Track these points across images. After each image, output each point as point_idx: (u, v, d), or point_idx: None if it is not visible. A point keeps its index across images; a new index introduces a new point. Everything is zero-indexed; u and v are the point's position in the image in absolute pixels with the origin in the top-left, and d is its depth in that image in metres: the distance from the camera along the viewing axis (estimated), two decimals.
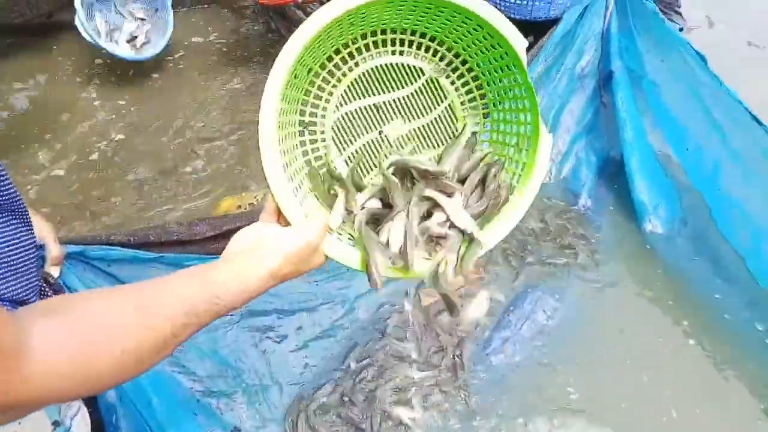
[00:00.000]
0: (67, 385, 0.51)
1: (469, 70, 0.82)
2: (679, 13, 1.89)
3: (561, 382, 1.29)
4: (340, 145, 0.83)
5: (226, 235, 1.19)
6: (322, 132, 0.82)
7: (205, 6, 2.62)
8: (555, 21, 1.61)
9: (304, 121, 0.81)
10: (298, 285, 1.34)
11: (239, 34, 2.52)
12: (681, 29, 1.87)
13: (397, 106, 0.83)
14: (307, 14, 2.34)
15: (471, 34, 0.77)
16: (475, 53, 0.80)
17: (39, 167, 1.90)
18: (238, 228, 0.71)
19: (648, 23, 1.53)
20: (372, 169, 0.84)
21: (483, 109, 0.85)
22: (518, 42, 0.74)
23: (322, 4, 0.72)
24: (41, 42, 2.41)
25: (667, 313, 1.42)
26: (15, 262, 0.68)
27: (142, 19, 2.34)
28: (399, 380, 1.29)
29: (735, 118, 1.38)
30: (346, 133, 0.83)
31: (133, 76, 2.27)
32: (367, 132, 0.83)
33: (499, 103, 0.83)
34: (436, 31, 0.79)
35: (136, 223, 1.68)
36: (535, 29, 1.63)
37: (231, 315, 1.29)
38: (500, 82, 0.80)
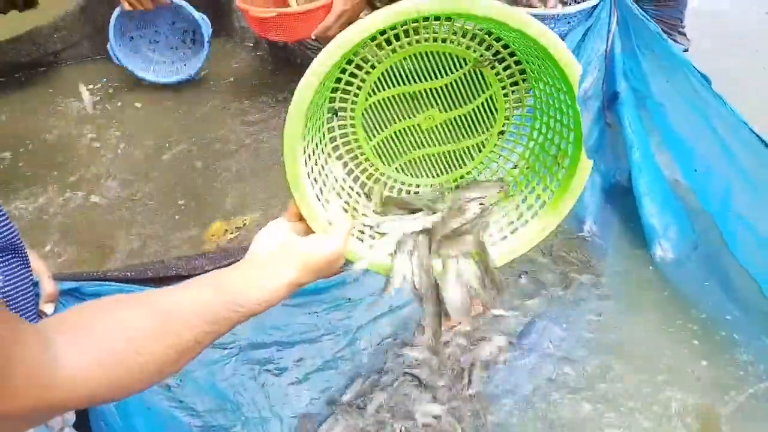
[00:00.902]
0: (96, 393, 0.52)
1: (517, 62, 0.80)
2: (684, 34, 1.88)
3: (570, 411, 1.26)
4: (369, 132, 0.82)
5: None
6: (352, 119, 0.80)
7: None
8: None
9: (333, 107, 0.80)
10: (298, 316, 1.33)
11: (249, 66, 2.53)
12: (686, 50, 1.86)
13: (434, 96, 0.80)
14: (309, 49, 2.37)
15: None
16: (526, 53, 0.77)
17: (47, 201, 1.90)
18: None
19: (651, 44, 1.51)
20: (400, 157, 0.83)
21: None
22: (573, 69, 0.71)
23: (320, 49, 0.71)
24: (47, 77, 2.45)
25: (678, 339, 1.38)
26: (16, 298, 0.72)
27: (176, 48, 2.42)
28: (405, 411, 1.26)
29: (743, 139, 1.36)
30: (376, 120, 0.81)
31: (142, 111, 2.30)
32: (398, 121, 0.81)
33: (546, 107, 0.80)
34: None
35: (138, 256, 1.68)
36: None
37: (229, 348, 1.28)
38: (547, 87, 0.78)
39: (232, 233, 1.71)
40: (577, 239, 1.61)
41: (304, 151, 0.73)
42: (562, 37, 1.58)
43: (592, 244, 1.62)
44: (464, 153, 0.87)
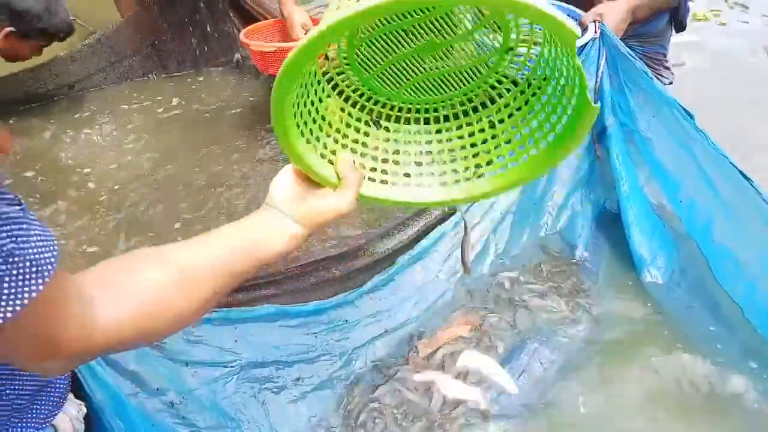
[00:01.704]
0: (129, 342, 0.62)
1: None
2: (668, 68, 1.96)
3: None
4: (367, 67, 0.80)
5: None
6: (346, 58, 0.78)
7: (220, 69, 2.78)
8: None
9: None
10: (297, 336, 1.38)
11: (251, 96, 2.64)
12: (670, 83, 1.94)
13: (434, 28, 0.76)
14: None
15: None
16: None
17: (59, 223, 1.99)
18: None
19: (638, 81, 1.60)
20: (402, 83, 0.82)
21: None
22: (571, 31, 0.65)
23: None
24: (62, 105, 2.56)
25: (667, 362, 1.43)
26: None
27: None
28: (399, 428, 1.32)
29: (724, 172, 1.43)
30: (375, 53, 0.78)
31: (153, 140, 2.39)
32: (398, 51, 0.78)
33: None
34: None
35: None
36: None
37: (231, 366, 1.33)
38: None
39: None
40: (569, 264, 1.67)
41: (299, 115, 0.73)
42: None
43: (583, 269, 1.68)
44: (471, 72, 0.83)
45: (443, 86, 0.84)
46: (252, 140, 2.38)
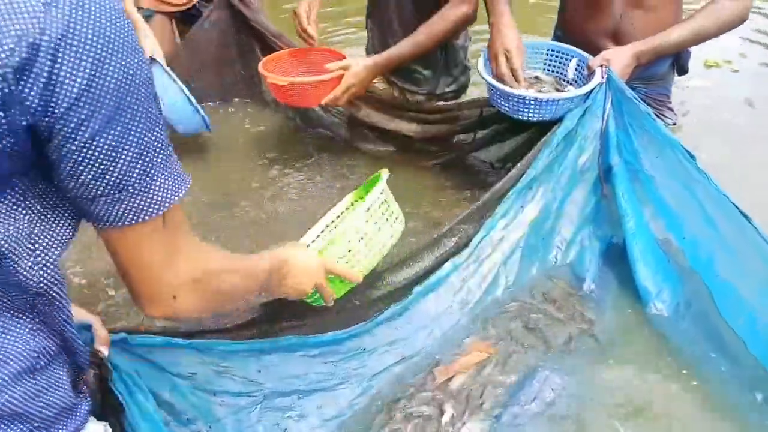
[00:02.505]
0: (195, 314, 0.91)
1: None
2: (671, 109, 2.06)
3: None
4: None
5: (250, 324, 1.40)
6: None
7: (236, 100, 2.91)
8: (557, 120, 1.79)
9: None
10: (317, 365, 1.46)
11: (266, 128, 2.75)
12: (674, 123, 2.04)
13: None
14: (332, 115, 2.58)
15: None
16: None
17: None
18: None
19: (642, 122, 1.69)
20: None
21: None
22: None
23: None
24: None
25: (674, 394, 1.49)
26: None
27: None
28: None
29: (725, 212, 1.51)
30: None
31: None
32: None
33: None
34: None
35: None
36: (539, 125, 1.82)
37: (254, 396, 1.41)
38: None
39: None
40: (577, 296, 1.74)
41: None
42: (562, 116, 1.77)
43: (591, 301, 1.75)
44: None
45: None
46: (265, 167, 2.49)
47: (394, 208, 1.49)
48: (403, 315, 1.57)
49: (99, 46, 0.60)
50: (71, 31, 0.58)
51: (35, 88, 0.58)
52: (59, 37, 0.57)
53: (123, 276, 0.79)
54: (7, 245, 0.66)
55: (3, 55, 0.55)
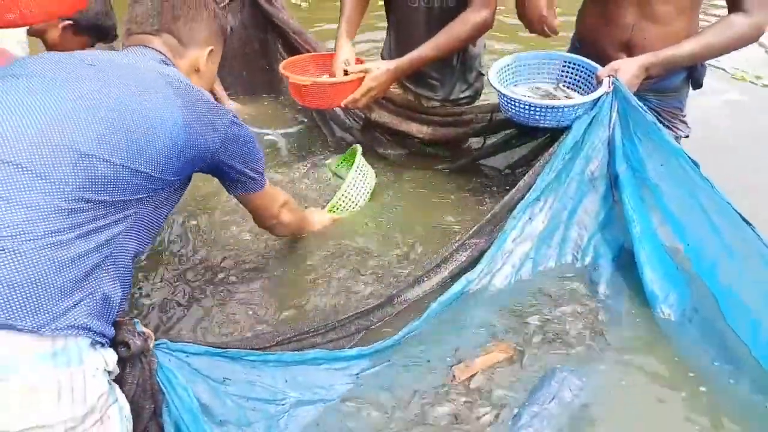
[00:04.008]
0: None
1: None
2: (684, 122, 2.11)
3: None
4: None
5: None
6: None
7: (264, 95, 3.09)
8: (565, 127, 1.87)
9: None
10: (341, 377, 1.58)
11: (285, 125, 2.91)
12: (686, 136, 2.09)
13: None
14: (350, 117, 2.68)
15: None
16: None
17: None
18: None
19: (647, 131, 1.77)
20: None
21: None
22: None
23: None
24: None
25: (684, 399, 1.57)
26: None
27: None
28: None
29: (728, 218, 1.59)
30: None
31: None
32: None
33: None
34: None
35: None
36: (546, 132, 1.90)
37: (283, 404, 1.53)
38: None
39: None
40: (593, 300, 1.83)
41: None
42: (569, 125, 1.85)
43: (605, 305, 1.83)
44: None
45: None
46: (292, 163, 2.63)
47: (369, 170, 2.33)
48: (420, 330, 1.68)
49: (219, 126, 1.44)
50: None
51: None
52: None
53: (256, 218, 1.84)
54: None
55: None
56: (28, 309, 1.04)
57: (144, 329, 1.29)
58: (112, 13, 2.29)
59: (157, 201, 1.35)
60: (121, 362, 1.24)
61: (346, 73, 2.26)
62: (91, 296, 1.15)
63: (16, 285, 1.04)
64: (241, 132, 1.49)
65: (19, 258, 1.05)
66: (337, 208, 2.21)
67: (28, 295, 1.05)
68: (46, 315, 1.06)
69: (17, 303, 1.03)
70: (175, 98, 1.31)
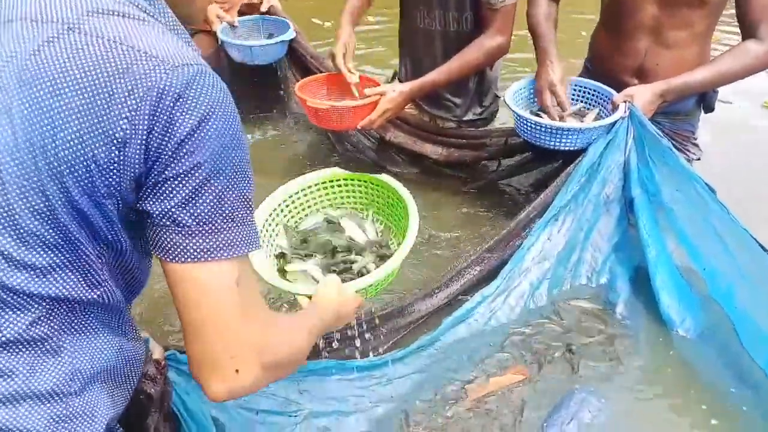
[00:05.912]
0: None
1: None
2: (696, 145, 2.15)
3: None
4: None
5: None
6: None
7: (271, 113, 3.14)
8: (581, 150, 1.91)
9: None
10: (353, 389, 1.61)
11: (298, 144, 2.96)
12: (698, 158, 2.13)
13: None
14: (365, 137, 2.72)
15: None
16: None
17: None
18: None
19: (663, 156, 1.81)
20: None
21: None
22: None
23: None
24: None
25: (702, 426, 1.58)
26: None
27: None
28: None
29: (743, 244, 1.62)
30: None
31: None
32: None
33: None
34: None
35: None
36: (563, 154, 1.94)
37: (295, 416, 1.54)
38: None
39: None
40: (610, 321, 1.85)
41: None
42: (585, 147, 1.89)
43: (621, 326, 1.85)
44: None
45: None
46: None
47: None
48: (434, 345, 1.71)
49: (207, 105, 0.78)
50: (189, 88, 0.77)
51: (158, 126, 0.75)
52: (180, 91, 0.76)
53: (193, 338, 0.83)
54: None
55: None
56: None
57: (157, 354, 1.24)
58: None
59: None
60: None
61: (360, 92, 2.31)
62: None
63: None
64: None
65: None
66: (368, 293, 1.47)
67: None
68: None
69: None
70: None
